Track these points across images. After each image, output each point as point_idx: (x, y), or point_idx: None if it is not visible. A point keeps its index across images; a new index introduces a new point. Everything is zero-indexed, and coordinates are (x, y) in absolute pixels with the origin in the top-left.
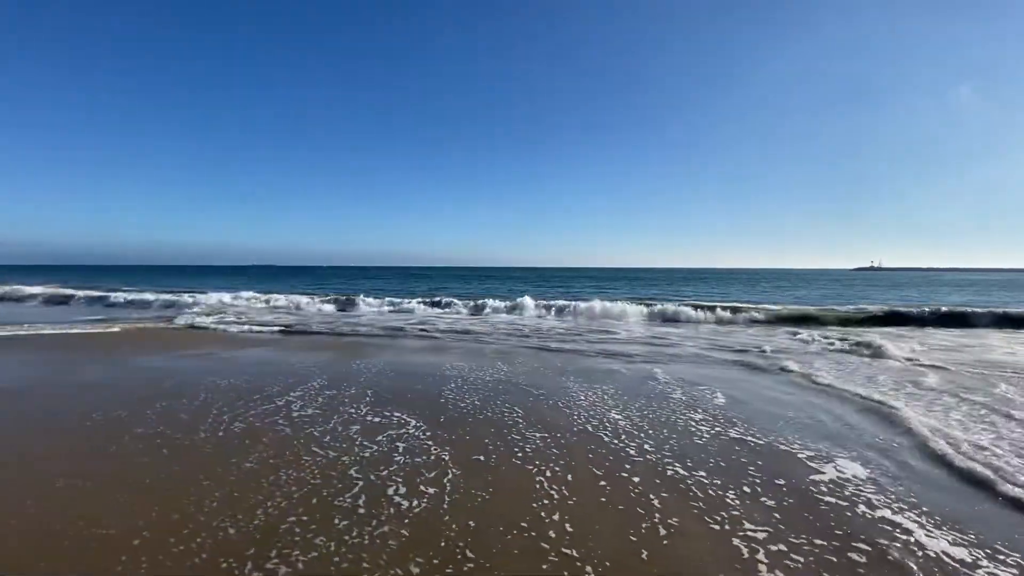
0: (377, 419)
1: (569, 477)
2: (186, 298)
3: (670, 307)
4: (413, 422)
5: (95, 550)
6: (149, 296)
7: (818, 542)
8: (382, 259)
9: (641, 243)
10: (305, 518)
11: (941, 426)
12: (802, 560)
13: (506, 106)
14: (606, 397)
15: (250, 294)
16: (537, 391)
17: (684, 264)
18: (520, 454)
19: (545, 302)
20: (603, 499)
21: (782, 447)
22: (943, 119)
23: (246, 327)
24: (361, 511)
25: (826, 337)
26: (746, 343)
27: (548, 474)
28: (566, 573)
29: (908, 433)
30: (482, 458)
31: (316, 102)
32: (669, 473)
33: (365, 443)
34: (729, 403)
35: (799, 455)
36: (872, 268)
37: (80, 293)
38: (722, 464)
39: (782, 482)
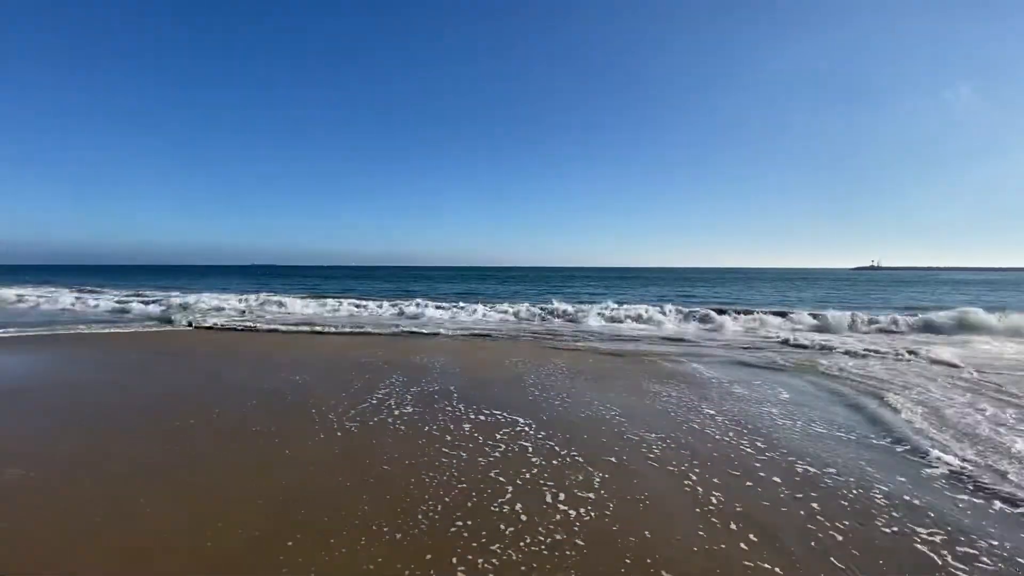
0: (482, 417)
1: (715, 480)
2: (205, 300)
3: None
4: (521, 420)
5: (247, 553)
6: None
7: (998, 543)
8: (380, 259)
9: (639, 243)
10: (469, 523)
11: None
12: (991, 560)
13: (505, 106)
14: (687, 394)
15: (266, 295)
16: (615, 388)
17: (681, 264)
18: (650, 455)
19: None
20: (765, 503)
21: (873, 441)
22: (943, 119)
23: (274, 326)
24: (524, 518)
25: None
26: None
27: (693, 477)
28: None
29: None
30: (614, 459)
31: (316, 102)
32: (799, 469)
33: (489, 442)
34: (794, 398)
35: (895, 449)
36: (872, 268)
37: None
38: (838, 460)
39: (904, 479)
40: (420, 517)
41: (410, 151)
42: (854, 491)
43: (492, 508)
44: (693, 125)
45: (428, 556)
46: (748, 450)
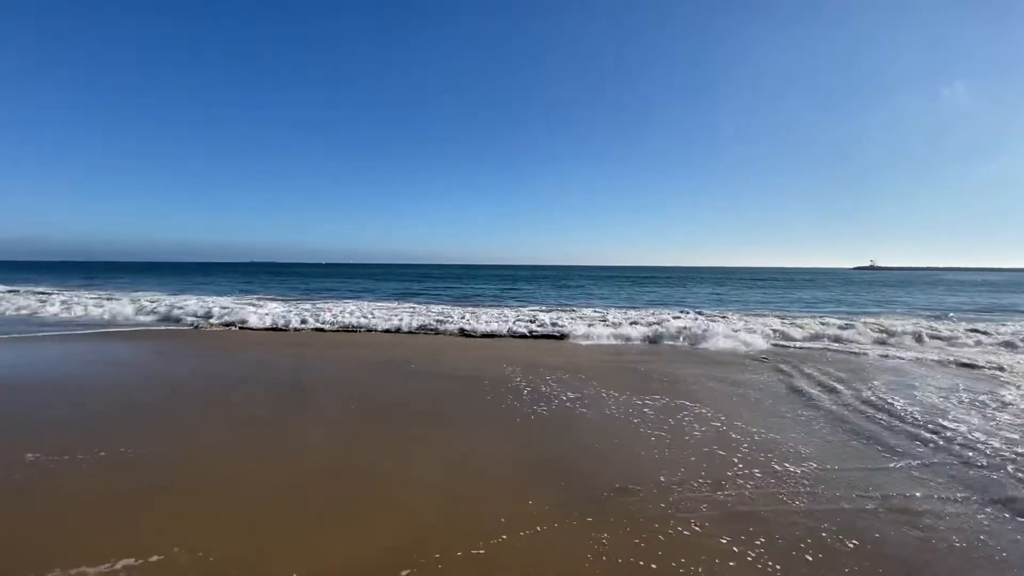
0: (648, 400)
1: (934, 460)
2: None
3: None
4: (687, 403)
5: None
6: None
7: None
8: (376, 256)
9: (636, 241)
10: (728, 487)
11: None
12: None
13: (505, 106)
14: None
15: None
16: (739, 379)
17: (677, 263)
18: (817, 427)
19: None
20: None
21: None
22: (940, 118)
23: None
24: (771, 481)
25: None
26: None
27: (915, 462)
28: None
29: None
30: (796, 433)
31: (315, 102)
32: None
33: (683, 423)
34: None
35: None
36: (872, 267)
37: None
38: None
39: None
40: (674, 486)
41: (412, 149)
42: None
43: (729, 474)
44: (691, 126)
45: (704, 507)
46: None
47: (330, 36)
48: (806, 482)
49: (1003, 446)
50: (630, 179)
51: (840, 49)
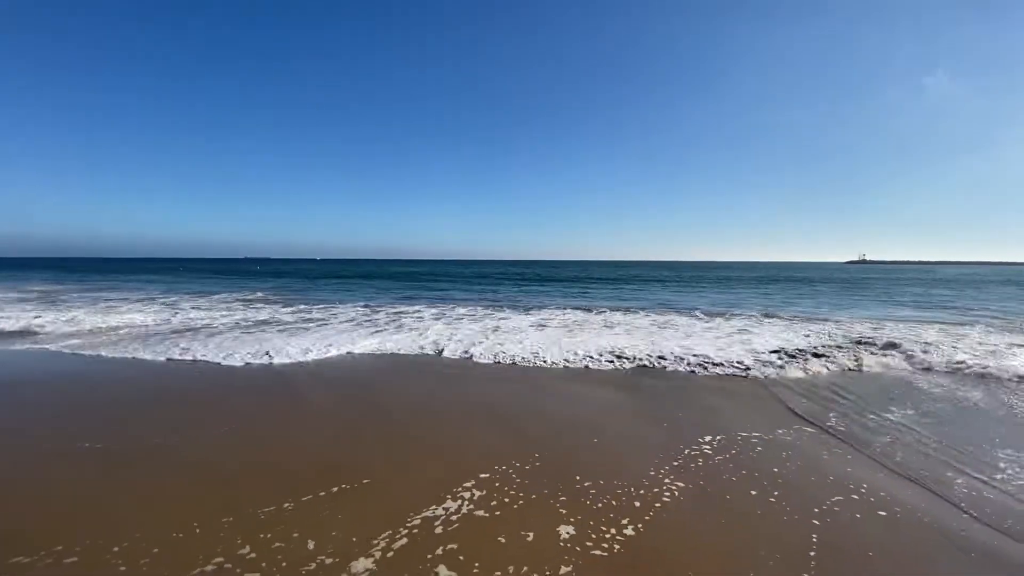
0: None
1: None
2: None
3: None
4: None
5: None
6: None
7: None
8: (372, 253)
9: (631, 238)
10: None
11: None
12: None
13: (503, 107)
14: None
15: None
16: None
17: (671, 258)
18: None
19: None
20: None
21: None
22: (929, 113)
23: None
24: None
25: None
26: None
27: None
28: None
29: None
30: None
31: (311, 100)
32: None
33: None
34: None
35: None
36: (864, 262)
37: None
38: None
39: None
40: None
41: (409, 147)
42: None
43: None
44: (684, 124)
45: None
46: None
47: (330, 37)
48: None
49: None
50: (625, 177)
51: (833, 47)
